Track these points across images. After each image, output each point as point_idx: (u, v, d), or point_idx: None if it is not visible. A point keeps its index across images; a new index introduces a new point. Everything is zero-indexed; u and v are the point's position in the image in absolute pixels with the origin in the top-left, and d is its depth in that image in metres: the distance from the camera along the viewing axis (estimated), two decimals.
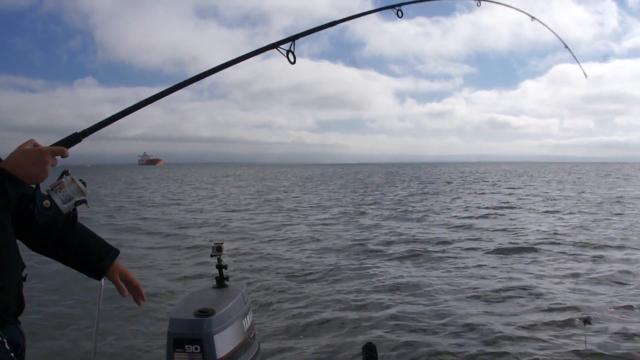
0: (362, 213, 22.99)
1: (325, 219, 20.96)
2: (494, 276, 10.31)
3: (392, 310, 7.98)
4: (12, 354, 1.86)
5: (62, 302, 8.71)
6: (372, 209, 25.15)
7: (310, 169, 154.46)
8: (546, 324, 7.36)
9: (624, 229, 16.75)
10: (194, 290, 3.44)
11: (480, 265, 11.35)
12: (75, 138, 1.93)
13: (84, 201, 1.90)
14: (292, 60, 2.42)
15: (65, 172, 1.86)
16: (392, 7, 3.20)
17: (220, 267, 3.36)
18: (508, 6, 4.90)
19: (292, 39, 2.45)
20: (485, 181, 55.71)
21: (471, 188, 42.48)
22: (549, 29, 5.42)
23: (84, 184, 1.89)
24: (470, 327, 7.23)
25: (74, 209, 1.91)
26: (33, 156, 1.75)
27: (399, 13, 3.23)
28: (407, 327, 7.23)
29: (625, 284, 9.49)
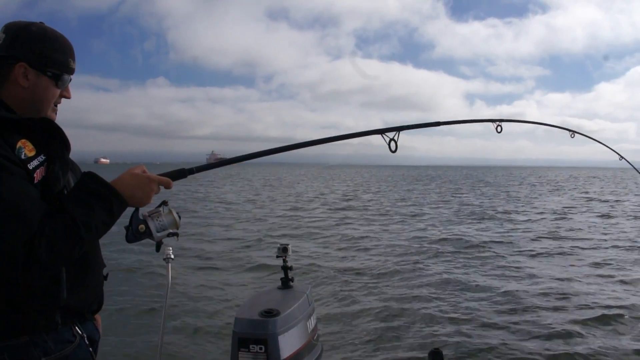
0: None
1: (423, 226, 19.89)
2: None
3: (461, 316, 7.82)
4: (90, 349, 1.97)
5: (129, 298, 8.91)
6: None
7: (378, 171, 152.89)
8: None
9: None
10: (260, 290, 3.47)
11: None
12: (181, 173, 2.00)
13: (176, 234, 1.95)
14: (393, 148, 2.48)
15: (164, 203, 1.94)
16: (492, 120, 3.20)
17: (286, 268, 3.38)
18: (600, 142, 4.93)
19: (398, 129, 2.51)
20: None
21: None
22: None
23: (179, 217, 1.94)
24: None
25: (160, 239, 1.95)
26: (141, 182, 1.83)
27: (499, 128, 3.20)
28: (476, 334, 7.04)
29: None
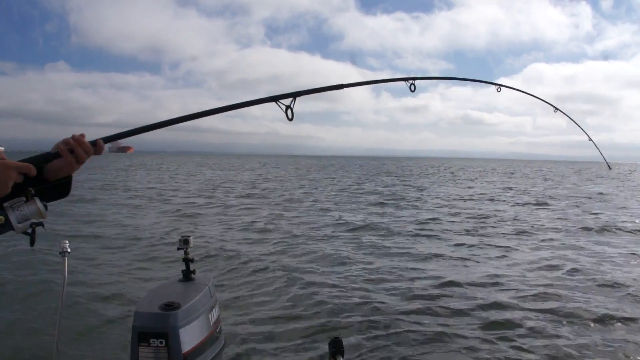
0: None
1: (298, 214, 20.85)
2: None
3: (362, 306, 7.92)
4: None
5: (20, 296, 8.43)
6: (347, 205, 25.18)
7: (287, 161, 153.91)
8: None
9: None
10: (160, 283, 3.41)
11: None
12: (46, 158, 1.82)
13: (42, 224, 1.80)
14: (290, 116, 2.37)
15: (28, 191, 1.77)
16: (406, 79, 3.12)
17: (187, 260, 3.33)
18: (529, 94, 5.06)
19: (294, 95, 2.41)
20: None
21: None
22: (573, 120, 5.52)
23: (45, 206, 1.80)
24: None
25: (33, 231, 1.79)
26: None
27: (412, 87, 3.13)
28: (376, 322, 7.21)
29: None
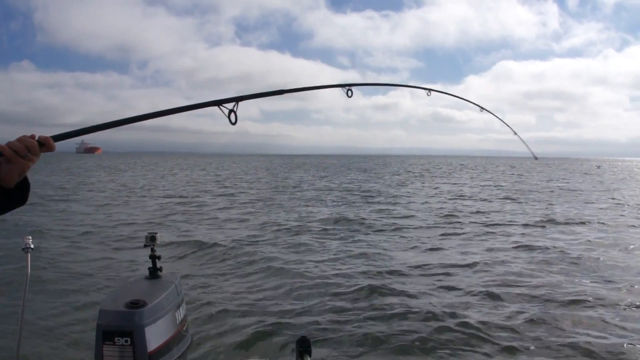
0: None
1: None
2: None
3: (330, 303, 7.95)
4: None
5: None
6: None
7: (258, 160, 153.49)
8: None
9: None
10: (126, 281, 3.36)
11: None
12: None
13: None
14: (232, 120, 2.34)
15: None
16: (343, 85, 3.14)
17: (154, 257, 3.29)
18: (457, 97, 5.12)
19: (236, 99, 2.37)
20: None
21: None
22: (498, 117, 5.62)
23: None
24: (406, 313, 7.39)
25: None
26: None
27: (349, 92, 3.15)
28: (342, 320, 7.23)
29: None
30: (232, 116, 2.34)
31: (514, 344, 6.40)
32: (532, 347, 6.34)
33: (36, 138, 1.70)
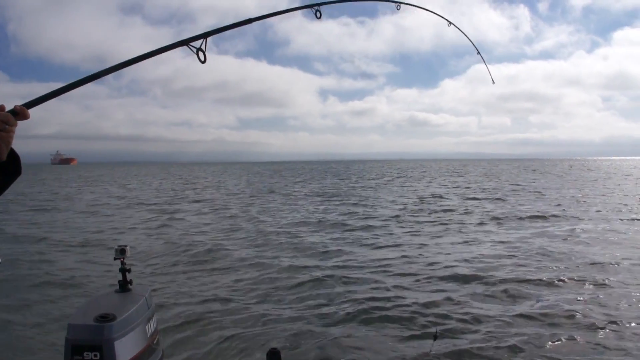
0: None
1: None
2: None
3: (300, 314, 7.88)
4: None
5: None
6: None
7: (235, 168, 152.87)
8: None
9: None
10: (96, 294, 3.34)
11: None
12: None
13: None
14: (202, 59, 2.29)
15: None
16: (311, 6, 3.06)
17: (124, 270, 3.27)
18: (427, 10, 5.07)
19: (204, 35, 2.33)
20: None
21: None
22: (465, 34, 5.65)
23: None
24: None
25: None
26: None
27: (317, 13, 3.09)
28: (313, 333, 7.19)
29: None
30: (201, 54, 2.29)
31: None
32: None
33: (5, 109, 1.72)
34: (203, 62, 2.31)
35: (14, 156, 1.84)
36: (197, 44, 2.29)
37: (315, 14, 3.08)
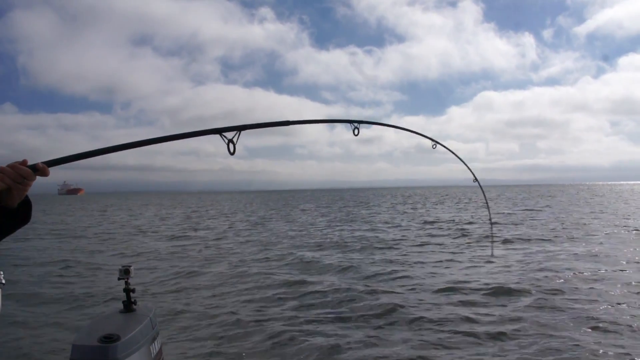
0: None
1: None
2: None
3: (313, 337, 7.79)
4: None
5: None
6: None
7: (240, 196, 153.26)
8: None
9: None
10: (100, 315, 3.31)
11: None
12: None
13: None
14: (231, 150, 2.29)
15: None
16: (350, 122, 3.17)
17: (128, 290, 3.25)
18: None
19: (239, 129, 2.32)
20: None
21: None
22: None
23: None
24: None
25: None
26: None
27: (356, 130, 3.18)
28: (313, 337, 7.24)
29: None
30: (231, 146, 2.28)
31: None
32: None
33: (27, 163, 1.78)
34: (232, 154, 2.30)
35: (26, 203, 1.87)
36: (229, 134, 2.29)
37: (353, 131, 3.18)
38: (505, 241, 19.01)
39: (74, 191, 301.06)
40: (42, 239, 24.24)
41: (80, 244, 21.61)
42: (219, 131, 2.29)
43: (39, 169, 1.80)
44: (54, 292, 11.13)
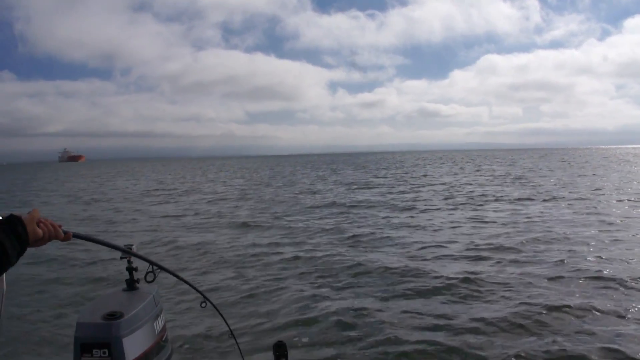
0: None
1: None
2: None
3: (310, 311, 7.95)
4: None
5: None
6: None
7: (244, 162, 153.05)
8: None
9: None
10: (103, 293, 3.37)
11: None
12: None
13: None
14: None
15: None
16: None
17: (131, 269, 3.28)
18: None
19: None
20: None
21: None
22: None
23: None
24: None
25: None
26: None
27: None
28: (320, 326, 7.29)
29: None
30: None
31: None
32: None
33: (62, 228, 2.05)
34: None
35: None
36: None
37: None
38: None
39: (74, 158, 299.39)
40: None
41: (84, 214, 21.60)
42: None
43: (66, 237, 2.09)
44: (57, 268, 11.36)
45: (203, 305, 3.42)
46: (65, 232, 2.08)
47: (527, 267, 9.94)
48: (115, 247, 2.77)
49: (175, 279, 3.27)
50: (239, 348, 4.03)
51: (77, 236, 2.22)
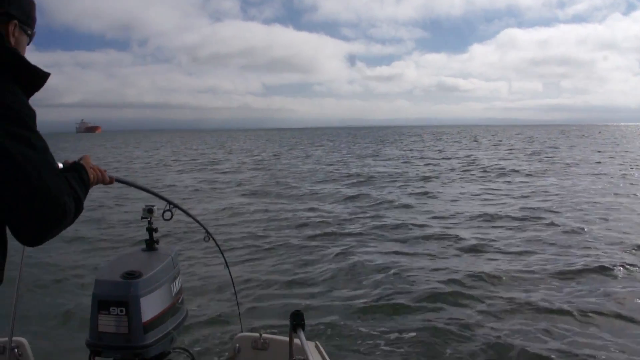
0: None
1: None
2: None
3: (326, 283, 7.94)
4: None
5: None
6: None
7: (262, 134, 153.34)
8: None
9: None
10: (123, 252, 3.36)
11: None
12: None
13: None
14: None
15: None
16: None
17: (151, 229, 3.26)
18: None
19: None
20: None
21: None
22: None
23: None
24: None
25: None
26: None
27: None
28: (336, 295, 7.30)
29: None
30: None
31: None
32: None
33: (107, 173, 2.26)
34: None
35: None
36: None
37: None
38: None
39: (91, 129, 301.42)
40: None
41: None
42: None
43: (111, 181, 2.32)
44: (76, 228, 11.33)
45: (206, 239, 3.63)
46: (110, 177, 2.30)
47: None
48: (149, 192, 3.05)
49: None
50: (233, 286, 4.10)
51: (119, 180, 2.47)
